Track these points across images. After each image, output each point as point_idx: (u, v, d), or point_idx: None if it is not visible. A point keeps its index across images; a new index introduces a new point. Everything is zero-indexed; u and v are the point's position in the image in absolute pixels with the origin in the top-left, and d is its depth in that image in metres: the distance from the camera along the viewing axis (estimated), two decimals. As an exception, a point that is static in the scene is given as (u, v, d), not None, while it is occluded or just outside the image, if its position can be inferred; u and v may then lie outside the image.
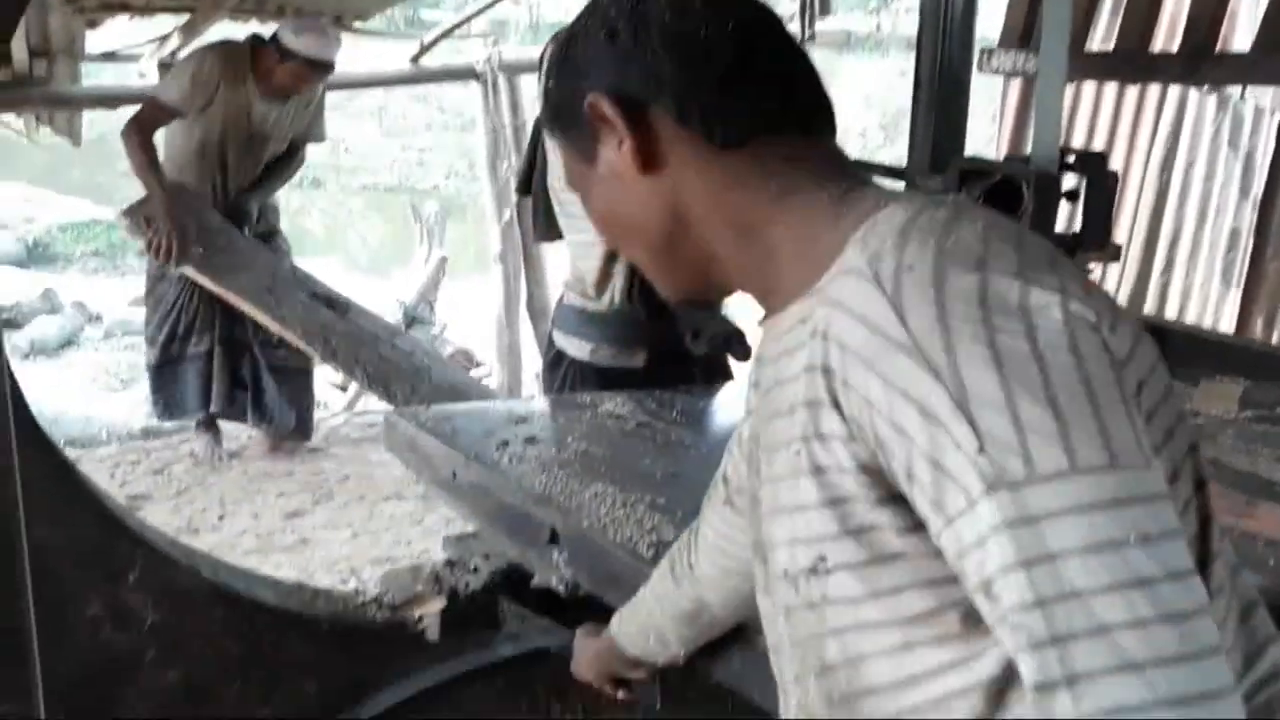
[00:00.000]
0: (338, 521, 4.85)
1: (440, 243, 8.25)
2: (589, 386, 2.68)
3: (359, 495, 5.10)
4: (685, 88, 1.03)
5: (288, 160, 5.18)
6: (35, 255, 10.94)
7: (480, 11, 6.59)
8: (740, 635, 1.54)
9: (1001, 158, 3.21)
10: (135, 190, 4.80)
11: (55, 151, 9.68)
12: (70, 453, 4.31)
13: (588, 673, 1.73)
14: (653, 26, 1.04)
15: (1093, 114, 5.46)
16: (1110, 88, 5.36)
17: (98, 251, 11.06)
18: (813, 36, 4.71)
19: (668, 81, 1.03)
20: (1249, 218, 5.27)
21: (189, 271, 4.70)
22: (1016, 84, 4.99)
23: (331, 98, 5.44)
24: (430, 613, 2.01)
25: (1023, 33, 4.46)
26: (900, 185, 2.17)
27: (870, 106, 14.12)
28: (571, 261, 2.78)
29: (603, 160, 1.08)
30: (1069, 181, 2.14)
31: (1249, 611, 1.02)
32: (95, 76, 6.63)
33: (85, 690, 1.82)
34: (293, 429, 5.35)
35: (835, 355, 0.91)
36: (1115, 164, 3.33)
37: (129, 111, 4.81)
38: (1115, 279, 5.42)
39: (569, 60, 1.09)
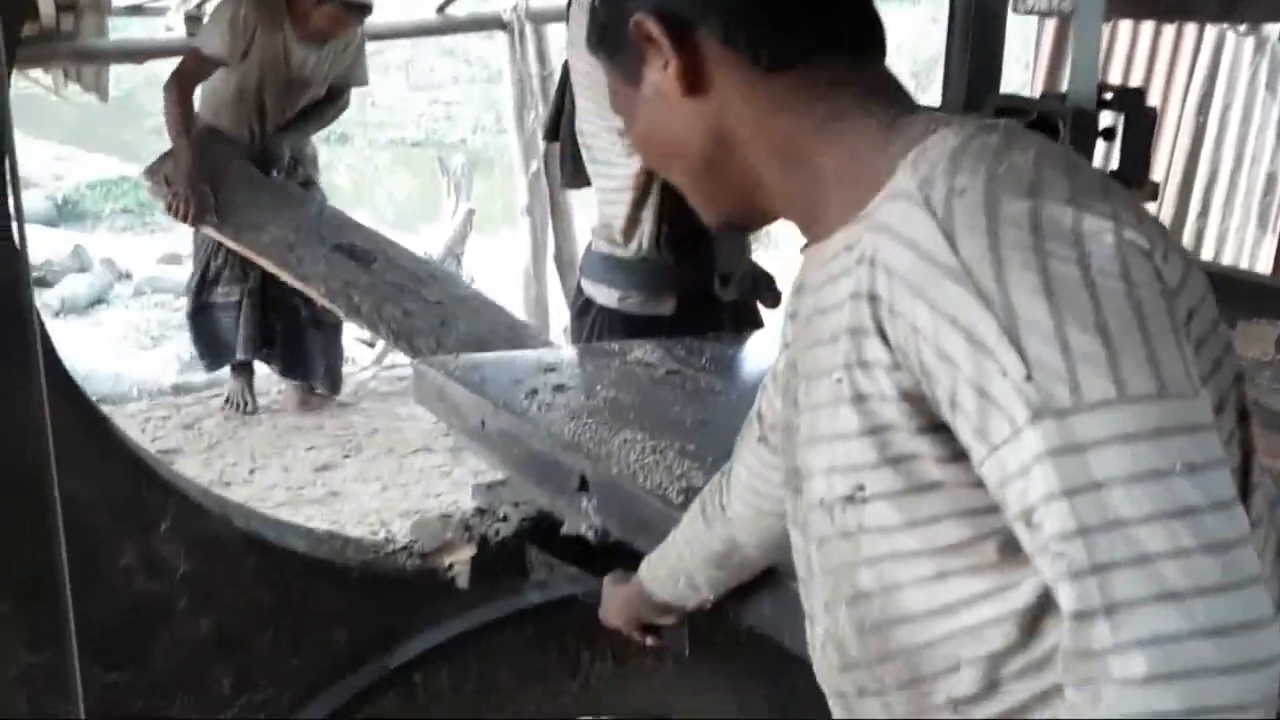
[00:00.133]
0: (367, 474, 4.87)
1: (467, 196, 8.21)
2: (617, 334, 2.66)
3: (388, 448, 5.11)
4: (732, 9, 1.02)
5: (328, 103, 5.07)
6: (65, 213, 10.98)
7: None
8: (770, 579, 1.53)
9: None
10: (163, 147, 4.77)
11: (84, 109, 9.69)
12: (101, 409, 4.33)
13: (616, 619, 1.73)
14: None
15: (1128, 55, 5.38)
16: (1147, 27, 5.28)
17: (127, 209, 11.09)
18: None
19: (714, 2, 1.02)
20: (1286, 162, 5.20)
21: (210, 232, 4.69)
22: (1051, 25, 4.91)
23: (364, 46, 5.36)
24: (460, 560, 2.01)
25: (1058, -28, 4.37)
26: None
27: (901, 54, 13.95)
28: (599, 208, 2.75)
29: (647, 82, 1.07)
30: (1106, 119, 2.10)
31: None
32: (122, 30, 6.59)
33: (118, 639, 1.83)
34: (321, 382, 5.36)
35: (882, 281, 0.90)
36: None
37: (156, 66, 4.78)
38: (1152, 221, 5.34)
39: None
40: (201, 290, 5.05)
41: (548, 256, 6.44)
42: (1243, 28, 5.07)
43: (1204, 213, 5.48)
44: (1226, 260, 5.47)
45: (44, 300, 7.44)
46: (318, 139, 5.34)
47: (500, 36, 6.33)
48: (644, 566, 1.63)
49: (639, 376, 2.25)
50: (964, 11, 2.35)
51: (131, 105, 12.47)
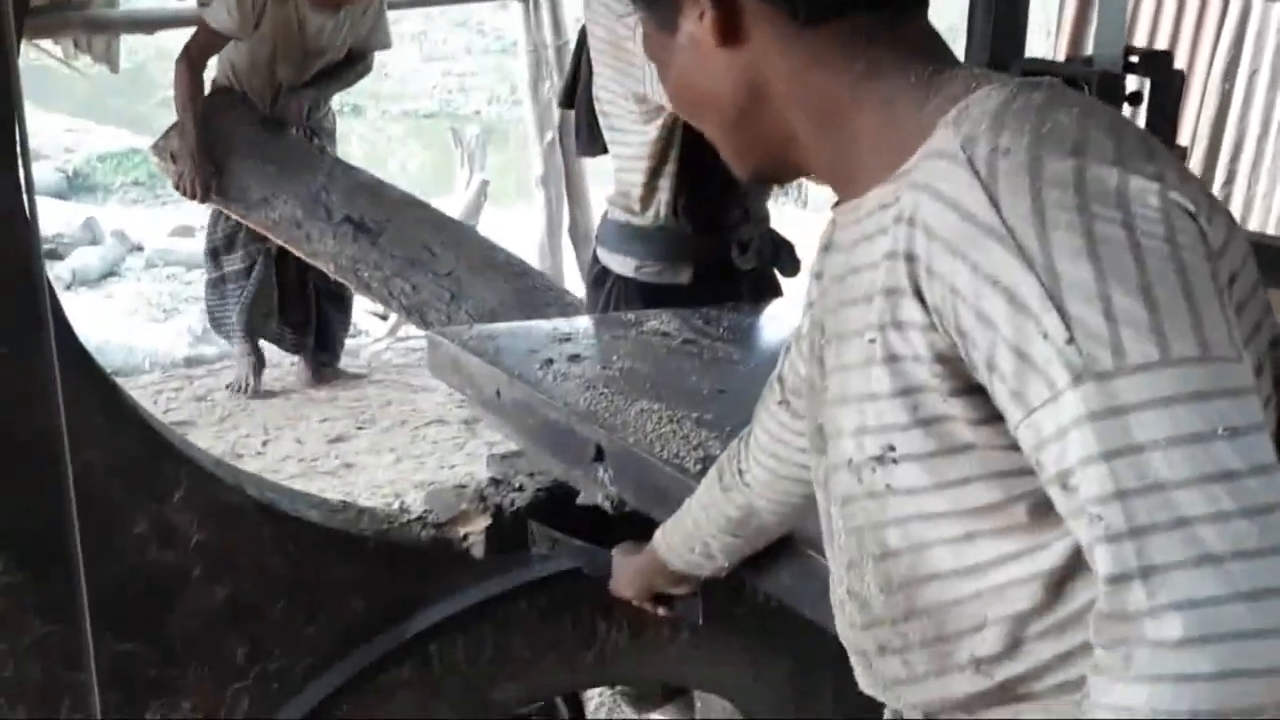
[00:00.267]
0: (380, 446, 4.86)
1: (481, 167, 8.19)
2: (633, 304, 2.64)
3: (401, 420, 5.10)
4: None
5: (348, 65, 4.95)
6: (76, 186, 10.97)
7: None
8: (787, 548, 1.52)
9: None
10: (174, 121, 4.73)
11: (95, 81, 9.65)
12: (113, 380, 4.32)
13: (628, 590, 1.73)
14: None
15: (1154, 20, 5.33)
16: (1172, -10, 5.23)
17: (138, 181, 11.07)
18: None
19: None
20: (1313, 129, 5.15)
21: (218, 204, 4.66)
22: (1074, -9, 4.86)
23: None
24: (475, 530, 1.99)
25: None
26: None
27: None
28: (616, 175, 2.72)
29: (683, 31, 1.06)
30: (1132, 83, 2.07)
31: None
32: (133, 0, 6.58)
33: (131, 609, 1.82)
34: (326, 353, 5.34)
35: (920, 241, 0.89)
36: (1176, 71, 3.21)
37: (167, 38, 4.74)
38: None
39: None
40: (215, 258, 5.03)
41: (563, 229, 6.41)
42: (1271, -9, 5.02)
43: (1230, 180, 5.45)
44: (1253, 227, 5.43)
45: (55, 273, 7.44)
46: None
47: (515, 6, 6.28)
48: (658, 535, 1.62)
49: (655, 346, 2.24)
50: (987, -27, 2.31)
51: (143, 78, 12.44)
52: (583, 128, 2.89)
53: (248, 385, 5.28)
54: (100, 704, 1.65)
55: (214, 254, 5.03)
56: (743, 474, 1.43)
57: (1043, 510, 0.90)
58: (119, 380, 5.42)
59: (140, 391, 5.29)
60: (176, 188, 4.59)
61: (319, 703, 1.93)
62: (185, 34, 4.77)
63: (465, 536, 2.00)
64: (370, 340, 6.12)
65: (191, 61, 4.52)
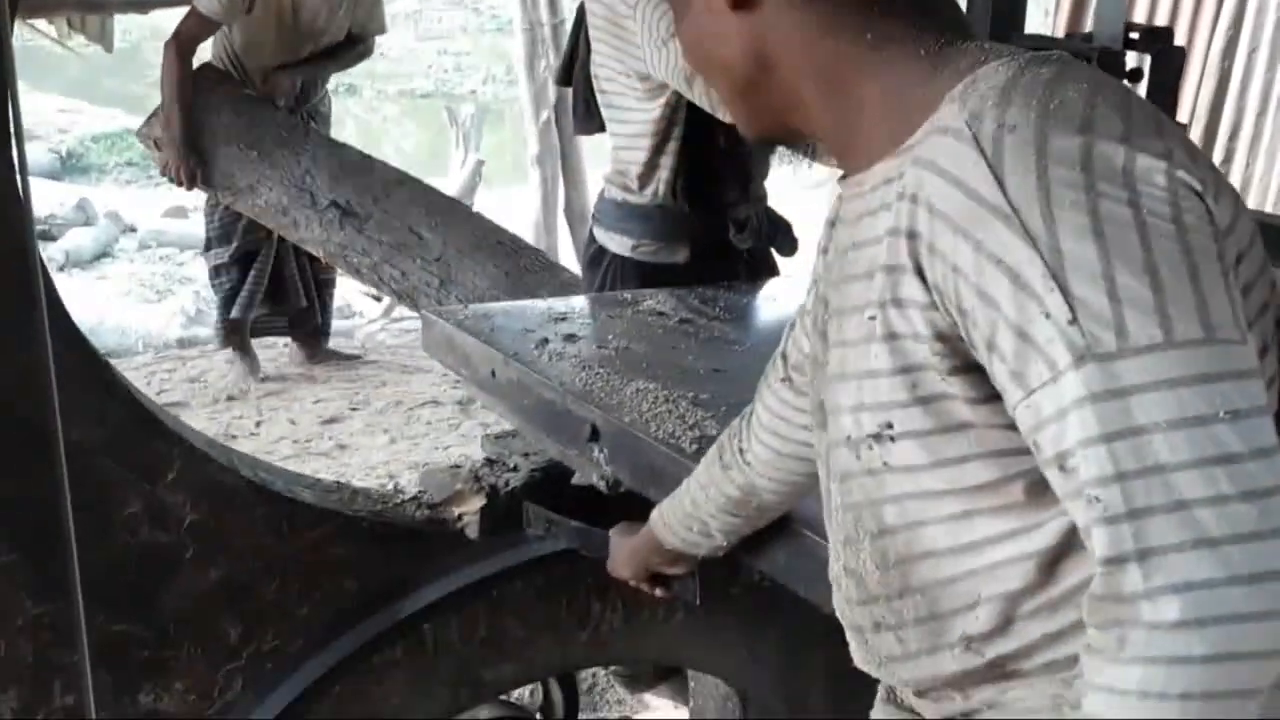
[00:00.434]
0: (375, 427, 4.85)
1: (476, 147, 8.17)
2: (630, 283, 2.63)
3: (395, 401, 5.09)
4: None
5: (347, 46, 4.84)
6: (69, 166, 10.94)
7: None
8: (784, 527, 1.51)
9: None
10: (167, 102, 4.67)
11: (89, 62, 9.62)
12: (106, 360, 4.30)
13: (624, 570, 1.72)
14: None
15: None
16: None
17: (131, 162, 11.03)
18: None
19: None
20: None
21: (207, 190, 4.60)
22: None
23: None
24: (470, 511, 1.98)
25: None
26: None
27: None
28: (614, 154, 2.70)
29: None
30: (1132, 60, 2.06)
31: None
32: (126, -20, 6.53)
33: (124, 589, 1.82)
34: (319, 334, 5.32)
35: (923, 219, 0.88)
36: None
37: (161, 18, 4.68)
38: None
39: None
40: (210, 246, 4.99)
41: (558, 208, 6.39)
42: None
43: (1227, 159, 5.43)
44: (1250, 205, 5.41)
45: (48, 254, 7.42)
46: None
47: (511, -18, 6.25)
48: (655, 514, 1.61)
49: (652, 326, 2.23)
50: (986, -52, 2.29)
51: (137, 58, 12.39)
52: (580, 105, 2.87)
53: (238, 376, 5.24)
54: (92, 684, 1.64)
55: (210, 243, 4.98)
56: (743, 452, 1.42)
57: (1039, 490, 0.90)
58: (112, 361, 5.39)
59: (134, 373, 5.27)
60: (163, 174, 4.54)
61: (312, 683, 1.92)
62: (179, 14, 4.71)
63: (460, 517, 1.99)
64: (364, 321, 6.11)
65: (180, 48, 4.40)
